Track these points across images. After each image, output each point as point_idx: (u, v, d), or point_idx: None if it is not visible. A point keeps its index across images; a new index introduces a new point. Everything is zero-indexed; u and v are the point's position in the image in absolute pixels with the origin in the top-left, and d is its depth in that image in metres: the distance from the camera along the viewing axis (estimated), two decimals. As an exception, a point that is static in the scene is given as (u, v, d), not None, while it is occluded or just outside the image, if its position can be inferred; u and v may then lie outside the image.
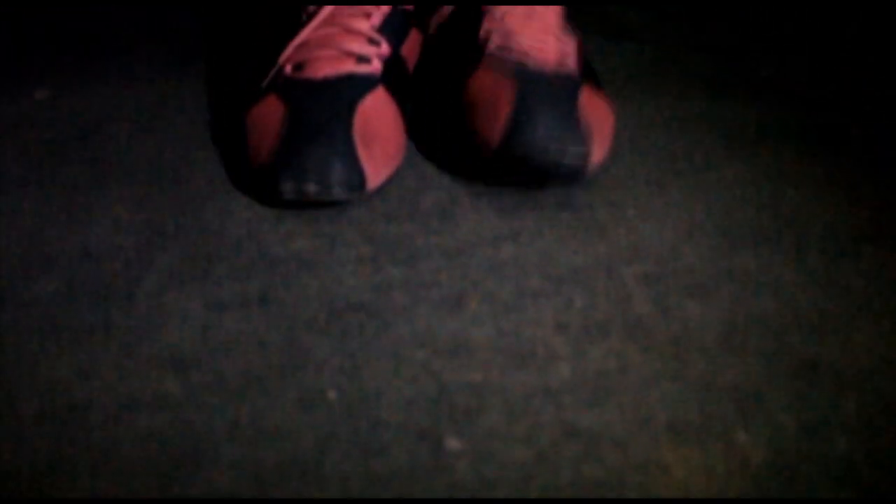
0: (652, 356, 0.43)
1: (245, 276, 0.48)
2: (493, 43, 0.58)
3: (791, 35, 0.85)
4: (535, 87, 0.54)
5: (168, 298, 0.47)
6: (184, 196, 0.56)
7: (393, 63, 0.60)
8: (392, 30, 0.60)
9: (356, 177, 0.52)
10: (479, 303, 0.46)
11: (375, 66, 0.58)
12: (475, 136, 0.55)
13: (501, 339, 0.44)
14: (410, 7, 0.63)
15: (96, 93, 0.69)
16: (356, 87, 0.56)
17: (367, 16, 0.60)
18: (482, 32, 0.59)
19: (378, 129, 0.55)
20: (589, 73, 0.59)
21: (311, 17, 0.60)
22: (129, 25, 0.82)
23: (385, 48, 0.59)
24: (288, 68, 0.58)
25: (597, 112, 0.56)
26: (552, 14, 0.60)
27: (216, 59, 0.74)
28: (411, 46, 0.64)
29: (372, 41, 0.59)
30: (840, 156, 0.62)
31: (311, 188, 0.51)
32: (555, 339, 0.44)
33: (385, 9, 0.60)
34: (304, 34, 0.59)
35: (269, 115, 0.56)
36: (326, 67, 0.57)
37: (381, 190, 0.56)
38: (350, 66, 0.57)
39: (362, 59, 0.58)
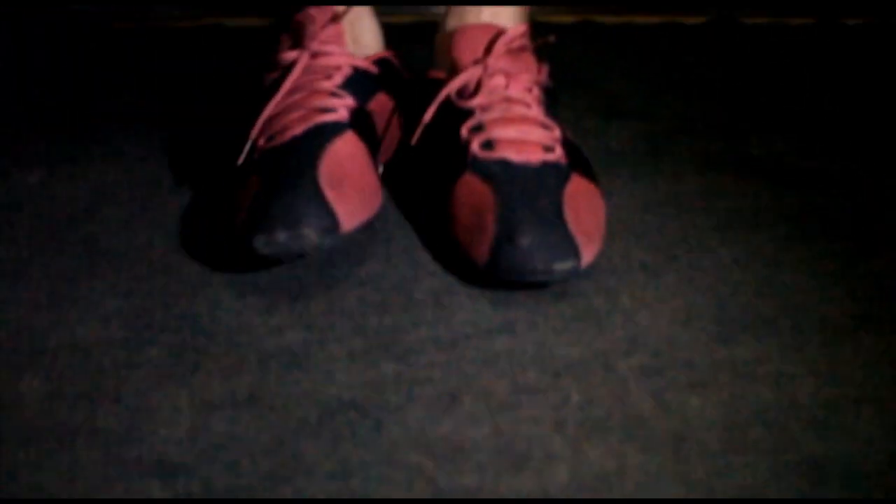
0: (652, 456, 0.42)
1: (235, 373, 0.47)
2: (476, 142, 0.57)
3: (781, 112, 0.85)
4: (520, 195, 0.54)
5: (155, 397, 0.46)
6: (174, 285, 0.55)
7: (360, 113, 0.60)
8: (356, 88, 0.61)
9: (326, 218, 0.51)
10: (473, 400, 0.45)
11: (341, 114, 0.58)
12: (464, 251, 0.55)
13: (497, 440, 0.43)
14: (374, 70, 0.64)
15: (88, 175, 0.69)
16: (322, 134, 0.56)
17: (329, 77, 0.60)
18: (464, 132, 0.59)
19: (347, 170, 0.55)
20: (577, 158, 0.59)
21: (274, 88, 0.61)
22: (122, 107, 0.82)
23: (350, 101, 0.59)
24: (261, 142, 0.59)
25: (586, 205, 0.55)
26: (532, 100, 0.60)
27: (208, 140, 0.74)
28: (380, 107, 0.64)
29: (335, 95, 0.59)
30: (834, 236, 0.62)
31: (281, 236, 0.51)
32: (552, 439, 0.43)
33: (346, 70, 0.61)
34: (270, 107, 0.59)
35: (247, 189, 0.56)
36: (295, 128, 0.57)
37: (373, 275, 0.55)
38: (315, 119, 0.57)
39: (327, 110, 0.58)
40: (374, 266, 0.56)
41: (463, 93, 0.60)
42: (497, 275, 0.53)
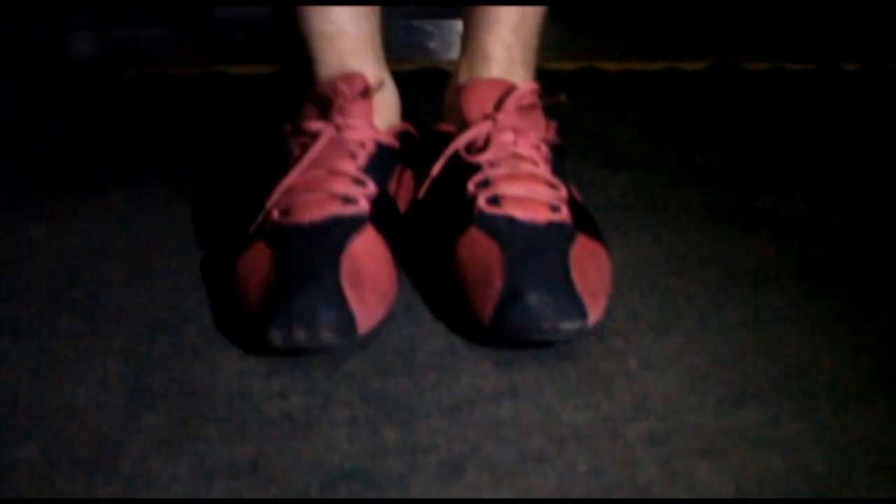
0: (661, 529, 0.41)
1: (235, 440, 0.46)
2: (483, 198, 0.57)
3: (783, 161, 0.85)
4: (526, 251, 0.53)
5: (154, 465, 0.45)
6: (175, 347, 0.54)
7: (381, 202, 0.59)
8: (378, 169, 0.60)
9: (346, 321, 0.51)
10: (478, 469, 0.44)
11: (363, 206, 0.57)
12: (468, 308, 0.54)
13: (503, 512, 0.42)
14: (396, 145, 0.64)
15: (91, 230, 0.69)
16: (343, 228, 0.55)
17: (353, 156, 0.60)
18: (471, 186, 0.58)
19: (368, 270, 0.54)
20: (583, 218, 0.59)
21: (296, 160, 0.60)
22: (126, 161, 0.82)
23: (372, 188, 0.59)
24: (275, 213, 0.58)
25: (592, 264, 0.55)
26: (540, 158, 0.60)
27: (211, 198, 0.74)
28: (400, 183, 0.64)
29: (358, 181, 0.58)
30: (843, 293, 0.61)
31: (300, 335, 0.50)
32: (559, 511, 0.42)
33: (370, 148, 0.60)
34: (290, 178, 0.58)
35: (257, 261, 0.55)
36: (313, 211, 0.56)
37: (376, 337, 0.55)
38: (336, 208, 0.56)
39: (349, 200, 0.57)
40: (378, 327, 0.56)
41: (471, 147, 0.60)
42: (502, 333, 0.52)
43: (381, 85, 0.62)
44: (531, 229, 0.55)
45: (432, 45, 1.15)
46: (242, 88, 1.05)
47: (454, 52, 1.19)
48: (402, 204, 0.64)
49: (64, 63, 1.15)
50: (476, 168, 0.59)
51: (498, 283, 0.52)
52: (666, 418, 0.48)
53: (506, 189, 0.57)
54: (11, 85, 1.06)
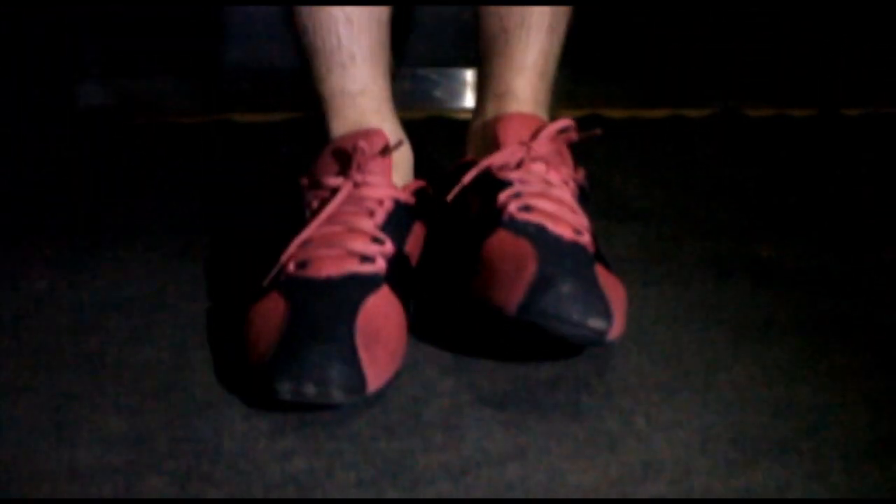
0: None
1: (239, 504, 0.46)
2: (513, 205, 0.58)
3: (788, 210, 0.85)
4: (556, 251, 0.54)
5: (157, 530, 0.44)
6: (179, 405, 0.54)
7: (397, 261, 0.59)
8: (396, 227, 0.60)
9: (356, 380, 0.50)
10: (485, 536, 0.44)
11: (380, 265, 0.57)
12: (492, 299, 0.54)
13: (510, 581, 0.41)
14: (412, 202, 0.64)
15: (96, 284, 0.69)
16: (359, 287, 0.55)
17: (371, 214, 0.60)
18: (501, 198, 0.59)
19: (381, 330, 0.54)
20: (600, 253, 0.59)
21: (314, 214, 0.60)
22: (131, 212, 0.82)
23: (389, 246, 0.59)
24: (291, 266, 0.58)
25: (611, 286, 0.55)
26: (567, 191, 0.61)
27: (216, 251, 0.74)
28: (415, 241, 0.64)
29: (376, 240, 0.58)
30: (852, 346, 0.61)
31: (310, 390, 0.50)
32: (568, 581, 0.41)
33: (388, 206, 0.61)
34: (308, 232, 0.58)
35: (271, 312, 0.55)
36: (330, 267, 0.56)
37: (381, 395, 0.54)
38: (354, 266, 0.56)
39: (366, 259, 0.57)
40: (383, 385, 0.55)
41: (504, 168, 0.61)
42: (529, 319, 0.51)
43: (399, 143, 0.63)
44: (560, 241, 0.55)
45: (438, 93, 1.16)
46: (250, 137, 1.06)
47: (460, 101, 1.19)
48: (414, 259, 0.64)
49: (73, 112, 1.16)
50: (508, 183, 0.60)
51: (532, 268, 0.52)
52: (675, 481, 0.47)
53: (536, 202, 0.58)
54: (19, 133, 1.07)
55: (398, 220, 0.61)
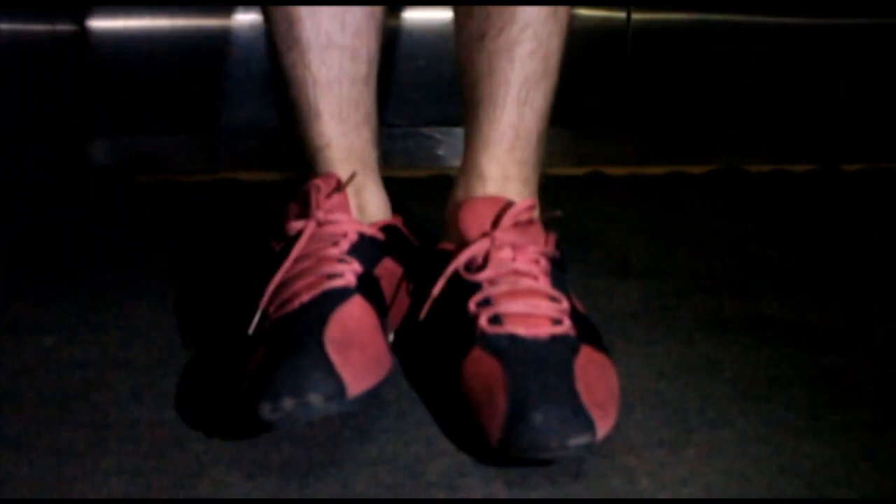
0: None
1: (240, 567, 0.45)
2: (484, 317, 0.57)
3: (789, 265, 0.86)
4: (530, 369, 0.53)
5: None
6: (181, 465, 0.54)
7: (367, 278, 0.61)
8: (362, 254, 0.62)
9: (333, 384, 0.51)
10: None
11: (348, 279, 0.59)
12: (476, 428, 0.54)
13: None
14: (381, 236, 0.65)
15: (100, 341, 0.70)
16: (329, 301, 0.57)
17: (335, 244, 0.61)
18: (472, 306, 0.58)
19: (354, 334, 0.55)
20: (586, 330, 0.59)
21: (282, 256, 0.62)
22: (138, 271, 0.83)
23: (357, 265, 0.60)
24: (271, 310, 0.59)
25: (598, 376, 0.55)
26: (539, 272, 0.60)
27: (221, 307, 0.74)
28: (387, 272, 0.65)
29: (342, 261, 0.60)
30: (858, 403, 0.61)
31: (287, 403, 0.50)
32: None
33: (352, 236, 0.62)
34: (279, 275, 0.60)
35: (255, 359, 0.56)
36: (303, 296, 0.58)
37: (384, 454, 0.54)
38: (323, 285, 0.58)
39: (334, 276, 0.59)
40: (386, 444, 0.55)
41: (471, 266, 0.61)
42: (511, 454, 0.51)
43: (352, 176, 0.65)
44: (534, 344, 0.55)
45: (440, 152, 1.17)
46: (256, 195, 1.07)
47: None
48: (388, 296, 0.65)
49: (84, 170, 1.17)
50: (476, 287, 0.59)
51: (502, 403, 0.52)
52: (681, 542, 0.47)
53: (506, 307, 0.57)
54: (29, 191, 1.09)
55: (364, 250, 0.62)
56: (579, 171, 1.15)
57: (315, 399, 0.50)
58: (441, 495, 0.50)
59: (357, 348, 0.54)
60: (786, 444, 0.56)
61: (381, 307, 0.61)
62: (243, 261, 0.86)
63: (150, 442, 0.56)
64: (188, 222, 0.98)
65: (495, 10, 0.64)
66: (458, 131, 1.22)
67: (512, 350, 0.55)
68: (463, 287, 0.60)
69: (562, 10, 0.66)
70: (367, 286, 0.60)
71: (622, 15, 1.22)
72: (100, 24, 1.18)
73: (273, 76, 1.16)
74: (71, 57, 1.17)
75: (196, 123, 1.21)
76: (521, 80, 0.65)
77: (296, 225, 0.63)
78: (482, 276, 0.59)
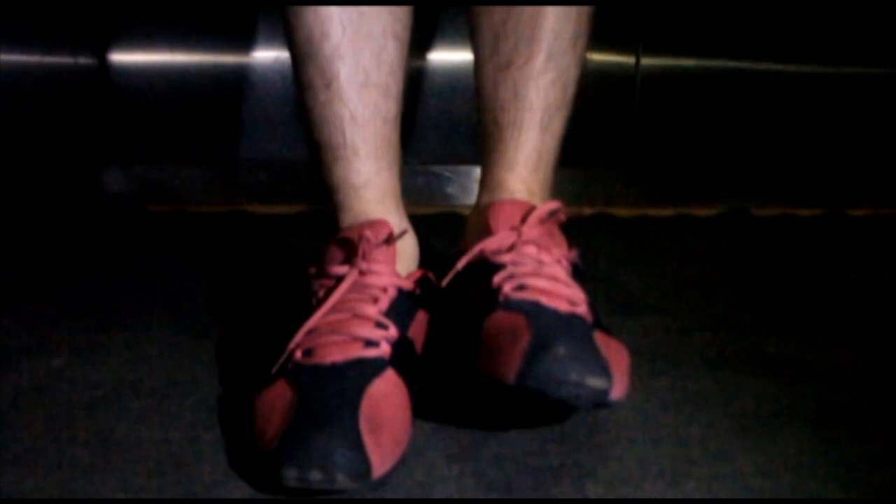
0: None
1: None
2: (508, 286, 0.59)
3: (794, 306, 0.86)
4: (551, 321, 0.55)
5: None
6: (186, 485, 0.54)
7: (401, 345, 0.60)
8: (399, 313, 0.62)
9: (361, 465, 0.51)
10: None
11: (384, 349, 0.58)
12: (492, 372, 0.55)
13: None
14: (417, 290, 0.65)
15: (110, 362, 0.71)
16: (364, 371, 0.56)
17: (375, 300, 0.61)
18: (496, 280, 0.60)
19: (386, 414, 0.54)
20: (599, 322, 0.60)
21: (320, 302, 0.62)
22: (149, 295, 0.84)
23: (393, 331, 0.60)
24: (298, 354, 0.59)
25: (615, 349, 0.56)
26: (560, 269, 0.62)
27: (229, 336, 0.75)
28: (419, 328, 0.65)
29: (380, 325, 0.60)
30: (858, 439, 0.61)
31: (315, 476, 0.50)
32: None
33: (392, 293, 0.62)
34: (314, 320, 0.60)
35: (278, 400, 0.56)
36: (335, 353, 0.57)
37: (387, 478, 0.54)
38: (358, 351, 0.58)
39: (370, 344, 0.58)
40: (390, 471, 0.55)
41: (497, 253, 0.62)
42: (526, 385, 0.51)
43: (403, 233, 0.65)
44: (555, 314, 0.56)
45: (450, 190, 1.19)
46: (266, 228, 1.09)
47: (471, 197, 1.23)
48: (418, 346, 0.65)
49: (97, 199, 1.19)
50: (501, 266, 0.61)
51: (526, 337, 0.53)
52: (680, 572, 0.47)
53: (530, 281, 0.59)
54: (44, 219, 1.11)
55: (401, 307, 0.62)
56: (586, 211, 1.17)
57: (342, 478, 0.50)
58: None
59: (387, 430, 0.53)
60: (788, 479, 0.56)
61: (411, 375, 0.60)
62: (251, 291, 0.88)
63: (157, 462, 0.56)
64: (198, 252, 0.99)
65: (523, 41, 0.68)
66: (468, 169, 1.25)
67: (535, 311, 0.56)
68: (487, 267, 0.61)
69: (580, 43, 0.70)
70: (401, 354, 0.60)
71: (631, 60, 1.24)
72: (120, 57, 1.21)
73: (285, 111, 1.18)
74: (91, 88, 1.20)
75: (209, 156, 1.23)
76: (545, 106, 0.69)
77: (338, 270, 0.63)
78: (507, 258, 0.61)
